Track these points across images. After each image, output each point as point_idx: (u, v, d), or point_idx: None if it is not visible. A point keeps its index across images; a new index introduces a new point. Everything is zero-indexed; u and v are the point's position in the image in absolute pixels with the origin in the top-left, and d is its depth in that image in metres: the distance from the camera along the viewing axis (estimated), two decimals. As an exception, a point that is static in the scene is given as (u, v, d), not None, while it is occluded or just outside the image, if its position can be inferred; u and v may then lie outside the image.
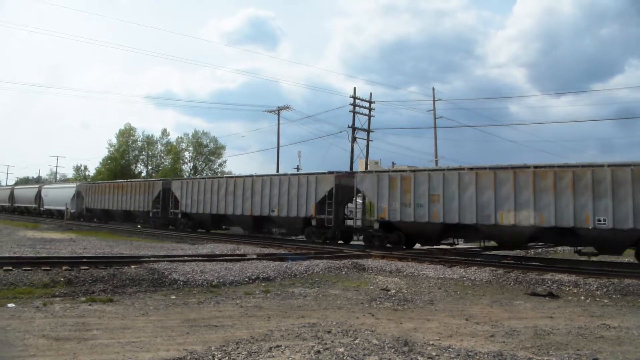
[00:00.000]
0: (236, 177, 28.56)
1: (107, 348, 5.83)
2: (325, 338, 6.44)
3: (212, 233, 30.01)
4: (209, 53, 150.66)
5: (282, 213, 24.32)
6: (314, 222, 22.97)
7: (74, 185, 46.67)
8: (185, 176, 60.94)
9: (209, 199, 28.53)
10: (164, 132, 75.38)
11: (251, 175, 26.93)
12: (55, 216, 45.56)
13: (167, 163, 72.42)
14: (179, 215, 31.18)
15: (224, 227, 31.69)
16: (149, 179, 47.81)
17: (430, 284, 12.61)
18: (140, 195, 35.17)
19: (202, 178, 31.65)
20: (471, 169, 18.66)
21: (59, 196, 46.31)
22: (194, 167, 71.63)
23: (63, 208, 41.91)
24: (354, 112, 37.60)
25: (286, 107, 45.15)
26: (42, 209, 48.59)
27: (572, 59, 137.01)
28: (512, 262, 16.52)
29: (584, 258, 17.55)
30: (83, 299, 9.06)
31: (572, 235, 16.50)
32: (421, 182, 19.43)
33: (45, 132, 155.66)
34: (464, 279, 13.43)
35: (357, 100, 37.79)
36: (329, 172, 23.38)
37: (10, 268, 10.99)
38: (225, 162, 72.98)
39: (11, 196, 57.77)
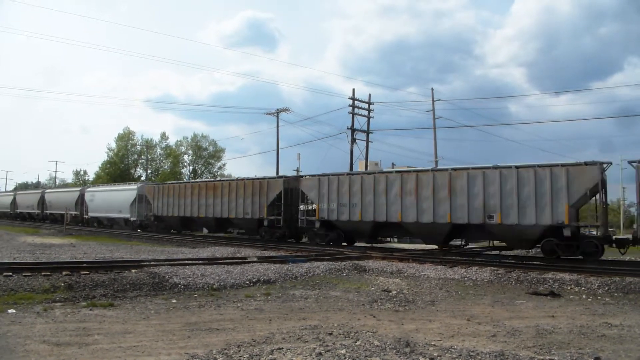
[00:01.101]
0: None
1: (109, 353, 5.81)
2: (327, 340, 6.43)
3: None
4: (208, 56, 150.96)
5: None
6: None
7: (134, 186, 37.81)
8: (184, 179, 60.94)
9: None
10: (163, 136, 75.53)
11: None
12: (105, 225, 40.46)
13: (166, 167, 72.44)
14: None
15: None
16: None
17: (431, 284, 12.59)
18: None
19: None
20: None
21: (115, 201, 38.27)
22: (194, 171, 71.69)
23: (119, 215, 37.42)
24: (353, 114, 37.60)
25: (285, 109, 45.14)
26: (86, 216, 42.21)
27: (571, 58, 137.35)
28: (513, 261, 16.51)
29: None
30: (84, 303, 9.04)
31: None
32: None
33: (44, 137, 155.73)
34: (465, 279, 13.41)
35: (356, 102, 37.80)
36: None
37: (11, 274, 10.96)
38: (224, 165, 73.14)
39: (41, 201, 50.47)
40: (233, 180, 30.00)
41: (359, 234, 22.17)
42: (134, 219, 35.83)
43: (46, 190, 54.54)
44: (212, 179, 34.73)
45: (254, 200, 25.87)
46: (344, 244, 22.56)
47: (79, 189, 44.37)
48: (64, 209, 41.17)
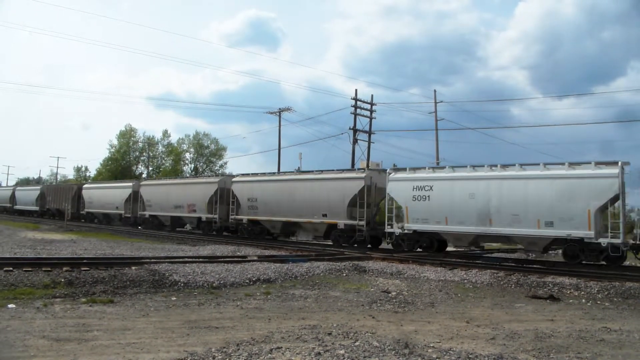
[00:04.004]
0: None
1: (108, 349, 5.83)
2: (326, 340, 6.43)
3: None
4: (210, 54, 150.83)
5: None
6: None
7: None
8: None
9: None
10: (165, 134, 75.60)
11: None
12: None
13: (167, 164, 72.51)
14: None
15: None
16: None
17: (431, 286, 12.59)
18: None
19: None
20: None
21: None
22: (195, 169, 71.74)
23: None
24: (355, 114, 37.59)
25: (287, 109, 45.15)
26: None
27: (573, 62, 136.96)
28: (513, 264, 16.51)
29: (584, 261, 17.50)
30: (83, 300, 9.06)
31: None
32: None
33: (46, 133, 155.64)
34: (465, 281, 13.41)
35: (358, 102, 37.79)
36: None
37: (11, 269, 10.98)
38: (226, 163, 73.13)
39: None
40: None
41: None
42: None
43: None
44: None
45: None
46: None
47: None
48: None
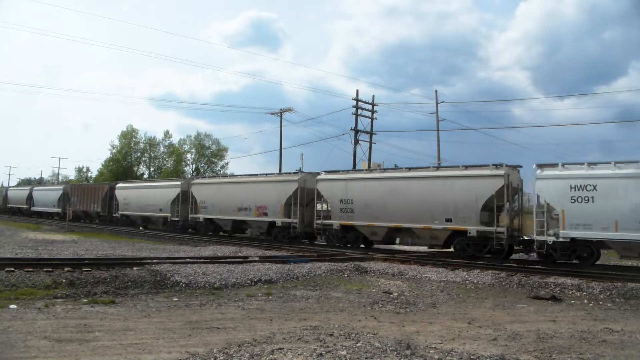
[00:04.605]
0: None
1: (109, 350, 5.82)
2: (328, 341, 6.43)
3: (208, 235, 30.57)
4: (211, 55, 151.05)
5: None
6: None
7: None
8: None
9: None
10: (167, 134, 75.67)
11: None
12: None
13: (169, 165, 72.56)
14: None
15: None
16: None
17: (432, 287, 12.58)
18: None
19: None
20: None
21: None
22: (197, 169, 71.78)
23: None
24: (357, 115, 37.58)
25: (289, 109, 45.12)
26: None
27: (575, 62, 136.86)
28: (514, 265, 16.48)
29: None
30: (85, 300, 9.06)
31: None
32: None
33: (47, 134, 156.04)
34: (467, 282, 13.40)
35: (359, 103, 37.79)
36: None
37: (12, 269, 10.99)
38: (227, 164, 73.11)
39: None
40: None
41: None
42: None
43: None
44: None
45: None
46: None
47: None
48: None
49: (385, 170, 24.14)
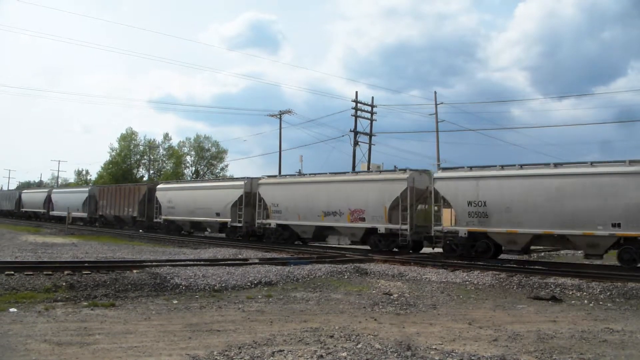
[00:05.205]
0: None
1: (110, 353, 5.82)
2: (328, 342, 6.42)
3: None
4: (210, 57, 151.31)
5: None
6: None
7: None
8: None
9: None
10: (166, 137, 76.17)
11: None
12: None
13: (169, 167, 72.62)
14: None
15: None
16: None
17: (432, 288, 12.57)
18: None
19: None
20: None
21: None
22: (196, 172, 71.81)
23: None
24: (356, 116, 37.64)
25: (288, 111, 45.18)
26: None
27: (574, 62, 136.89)
28: (514, 266, 16.47)
29: (587, 262, 17.50)
30: (85, 303, 9.05)
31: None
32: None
33: (47, 136, 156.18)
34: (467, 283, 13.39)
35: (359, 104, 37.85)
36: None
37: (12, 273, 10.99)
38: (227, 166, 73.12)
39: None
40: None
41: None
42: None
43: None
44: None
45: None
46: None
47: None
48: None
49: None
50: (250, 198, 26.14)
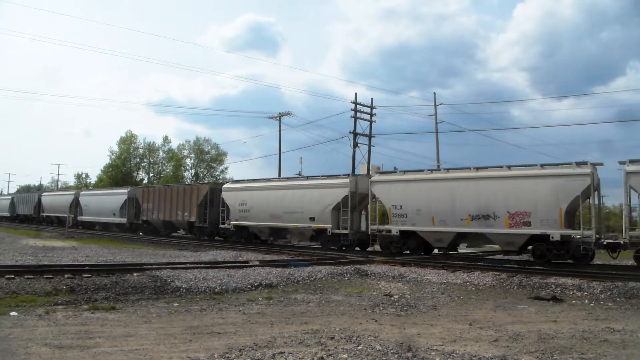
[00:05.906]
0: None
1: (110, 356, 5.81)
2: (329, 344, 6.42)
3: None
4: (210, 59, 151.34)
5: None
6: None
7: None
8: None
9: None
10: (166, 139, 75.93)
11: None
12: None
13: (168, 170, 72.62)
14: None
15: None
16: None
17: (433, 289, 12.57)
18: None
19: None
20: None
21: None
22: (196, 174, 71.79)
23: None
24: (355, 118, 37.65)
25: (287, 113, 45.25)
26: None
27: (573, 62, 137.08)
28: (515, 266, 16.47)
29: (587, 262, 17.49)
30: (85, 307, 9.04)
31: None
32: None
33: (46, 140, 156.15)
34: (467, 283, 13.39)
35: (358, 106, 37.87)
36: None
37: (13, 276, 11.00)
38: (227, 168, 73.14)
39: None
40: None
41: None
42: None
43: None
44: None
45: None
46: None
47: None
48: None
49: None
50: (357, 199, 22.36)
